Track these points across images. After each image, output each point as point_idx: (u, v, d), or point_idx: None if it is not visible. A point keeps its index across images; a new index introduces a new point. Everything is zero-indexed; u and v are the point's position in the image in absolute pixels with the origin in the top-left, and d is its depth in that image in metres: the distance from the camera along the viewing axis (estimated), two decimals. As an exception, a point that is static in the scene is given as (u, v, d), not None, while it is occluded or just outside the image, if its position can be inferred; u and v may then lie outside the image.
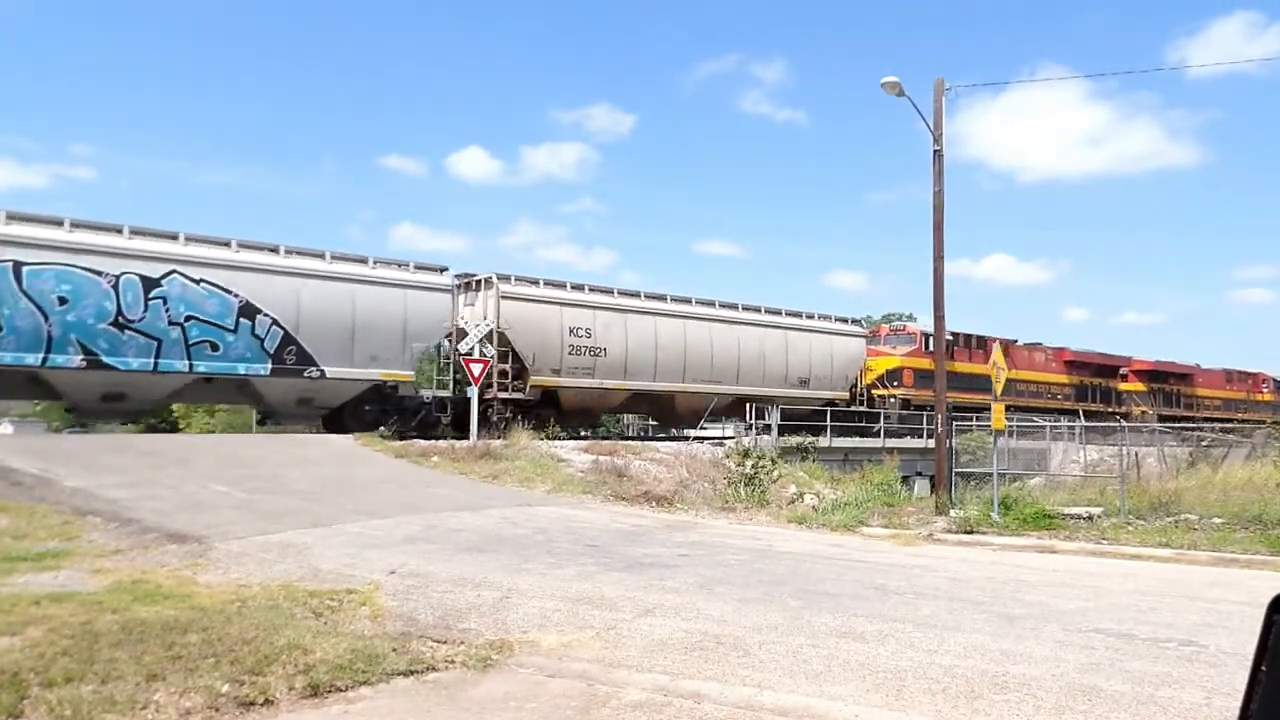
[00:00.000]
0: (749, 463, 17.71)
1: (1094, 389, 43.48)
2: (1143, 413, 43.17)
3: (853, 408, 30.61)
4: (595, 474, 16.64)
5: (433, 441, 19.15)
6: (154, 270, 17.80)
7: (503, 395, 22.20)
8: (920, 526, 13.65)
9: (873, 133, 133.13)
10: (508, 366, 22.34)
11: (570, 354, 23.31)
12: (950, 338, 33.85)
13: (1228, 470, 19.64)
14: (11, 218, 16.73)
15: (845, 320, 31.49)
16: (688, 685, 5.02)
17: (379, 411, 20.93)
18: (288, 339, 19.31)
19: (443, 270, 22.12)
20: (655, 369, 25.10)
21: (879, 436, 29.86)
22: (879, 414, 30.26)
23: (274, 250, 19.59)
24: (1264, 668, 1.44)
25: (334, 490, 12.78)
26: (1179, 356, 48.60)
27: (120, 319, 17.44)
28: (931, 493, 17.25)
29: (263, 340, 19.09)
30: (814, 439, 26.33)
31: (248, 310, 18.86)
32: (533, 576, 7.87)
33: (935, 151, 16.30)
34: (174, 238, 18.46)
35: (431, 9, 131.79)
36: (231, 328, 18.70)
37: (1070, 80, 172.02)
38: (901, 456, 27.58)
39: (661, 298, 26.07)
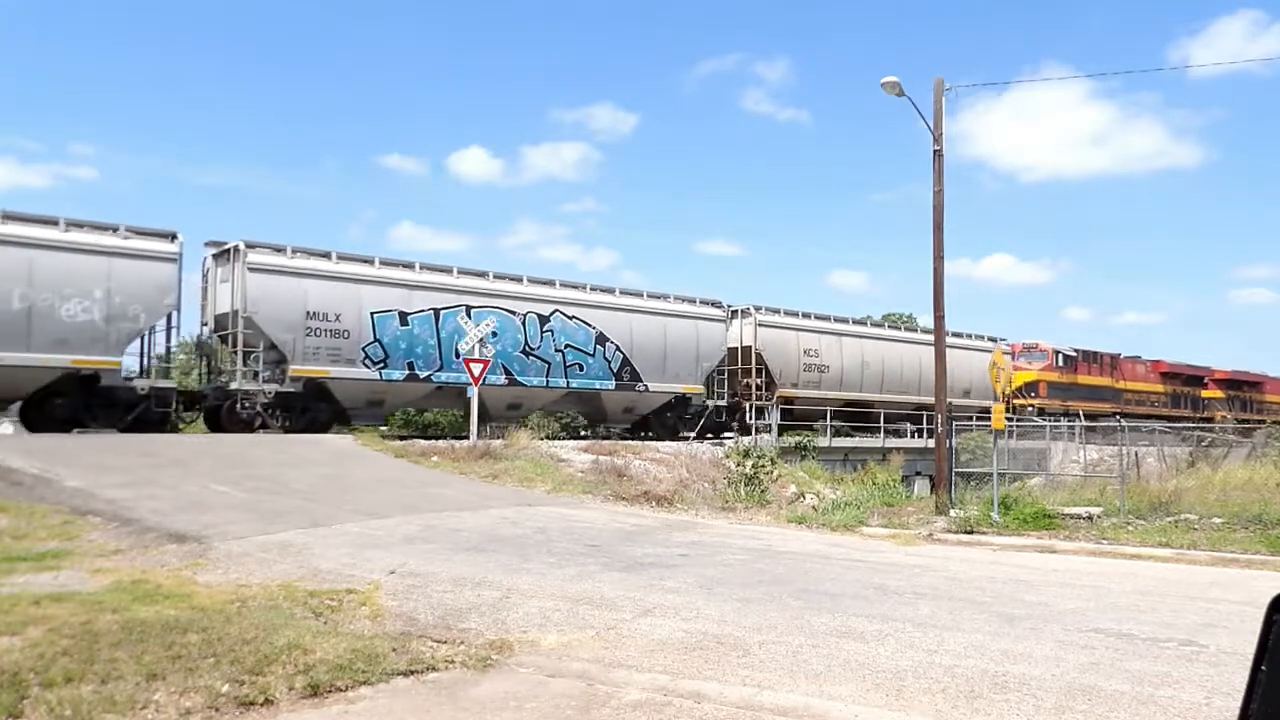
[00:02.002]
0: (749, 463, 17.71)
1: (1183, 397, 47.35)
2: (1223, 417, 45.88)
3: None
4: (595, 474, 16.65)
5: (432, 441, 19.21)
6: (544, 310, 23.45)
7: (757, 404, 27.21)
8: (920, 526, 13.65)
9: (876, 132, 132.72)
10: (761, 381, 27.67)
11: (804, 370, 28.86)
12: (1073, 353, 40.74)
13: (1228, 470, 19.64)
14: (461, 272, 22.46)
15: (995, 340, 36.45)
16: (688, 685, 5.02)
17: (675, 418, 26.25)
18: (625, 361, 24.92)
19: (718, 304, 27.36)
20: (862, 381, 30.33)
21: (879, 436, 30.08)
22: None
23: (610, 291, 25.32)
24: (1264, 667, 1.44)
25: (334, 490, 12.78)
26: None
27: (526, 347, 23.00)
28: (932, 492, 17.25)
29: (610, 363, 24.69)
30: (813, 438, 26.50)
31: (601, 339, 24.48)
32: (533, 576, 7.87)
33: (935, 151, 16.31)
34: (551, 283, 24.05)
35: (432, 8, 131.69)
36: (591, 353, 24.32)
37: (1073, 80, 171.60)
38: (903, 456, 27.65)
39: (863, 322, 31.79)
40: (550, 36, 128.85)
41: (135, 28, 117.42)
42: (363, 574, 7.61)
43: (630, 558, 9.16)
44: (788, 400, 28.15)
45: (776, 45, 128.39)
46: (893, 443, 29.91)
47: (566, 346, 23.65)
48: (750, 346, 27.60)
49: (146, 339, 18.99)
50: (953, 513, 14.39)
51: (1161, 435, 23.62)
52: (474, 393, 20.04)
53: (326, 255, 20.45)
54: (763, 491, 16.70)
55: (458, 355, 21.29)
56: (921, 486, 24.60)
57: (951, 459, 16.07)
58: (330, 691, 4.74)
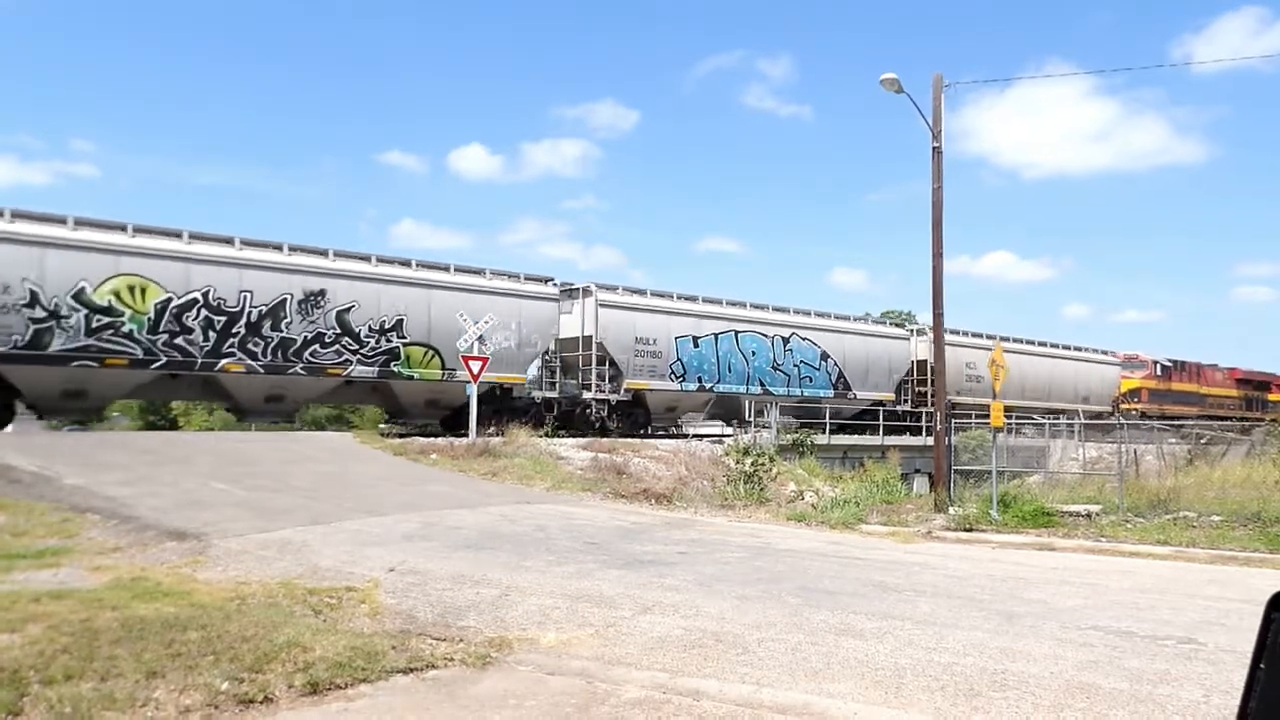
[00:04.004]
0: (748, 460, 17.69)
1: (1254, 400, 52.93)
2: None
3: (1109, 420, 38.06)
4: (594, 471, 16.64)
5: (431, 439, 19.20)
6: (785, 333, 29.28)
7: (928, 410, 30.91)
8: (919, 524, 13.66)
9: (877, 129, 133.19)
10: (928, 390, 31.99)
11: (965, 380, 34.16)
12: (1169, 363, 46.18)
13: (1226, 468, 19.64)
14: (729, 303, 28.14)
15: (1105, 352, 42.25)
16: (687, 683, 5.02)
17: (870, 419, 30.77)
18: (841, 375, 30.56)
19: (902, 324, 34.18)
20: (1005, 388, 32.33)
21: (878, 434, 30.28)
22: (1124, 423, 34.21)
23: (827, 316, 30.88)
24: (1263, 665, 1.44)
25: (333, 488, 12.77)
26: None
27: (774, 363, 28.72)
28: (931, 490, 17.25)
29: (830, 376, 30.44)
30: (812, 435, 26.48)
31: (824, 356, 30.28)
32: (532, 574, 7.87)
33: (934, 149, 16.28)
34: (787, 310, 29.98)
35: (433, 5, 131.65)
36: (817, 367, 30.10)
37: (1075, 77, 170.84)
38: (901, 454, 27.62)
39: (1007, 339, 36.43)
40: (551, 33, 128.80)
41: (136, 26, 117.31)
42: (362, 571, 7.61)
43: (629, 555, 9.16)
44: (951, 405, 32.41)
45: (779, 41, 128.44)
46: (891, 440, 30.01)
47: (801, 362, 29.54)
48: (925, 360, 32.14)
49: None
50: (952, 510, 14.39)
51: (1160, 433, 23.61)
52: (472, 389, 20.02)
53: (642, 293, 26.24)
54: (762, 489, 16.69)
55: (730, 370, 27.44)
56: (920, 484, 24.56)
57: (950, 457, 16.07)
58: (330, 689, 4.74)
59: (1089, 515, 13.49)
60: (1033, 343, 38.19)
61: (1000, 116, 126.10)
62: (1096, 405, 39.48)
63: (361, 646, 5.28)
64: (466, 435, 19.43)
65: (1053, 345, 38.79)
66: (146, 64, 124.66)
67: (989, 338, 35.79)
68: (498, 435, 18.98)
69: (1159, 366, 45.02)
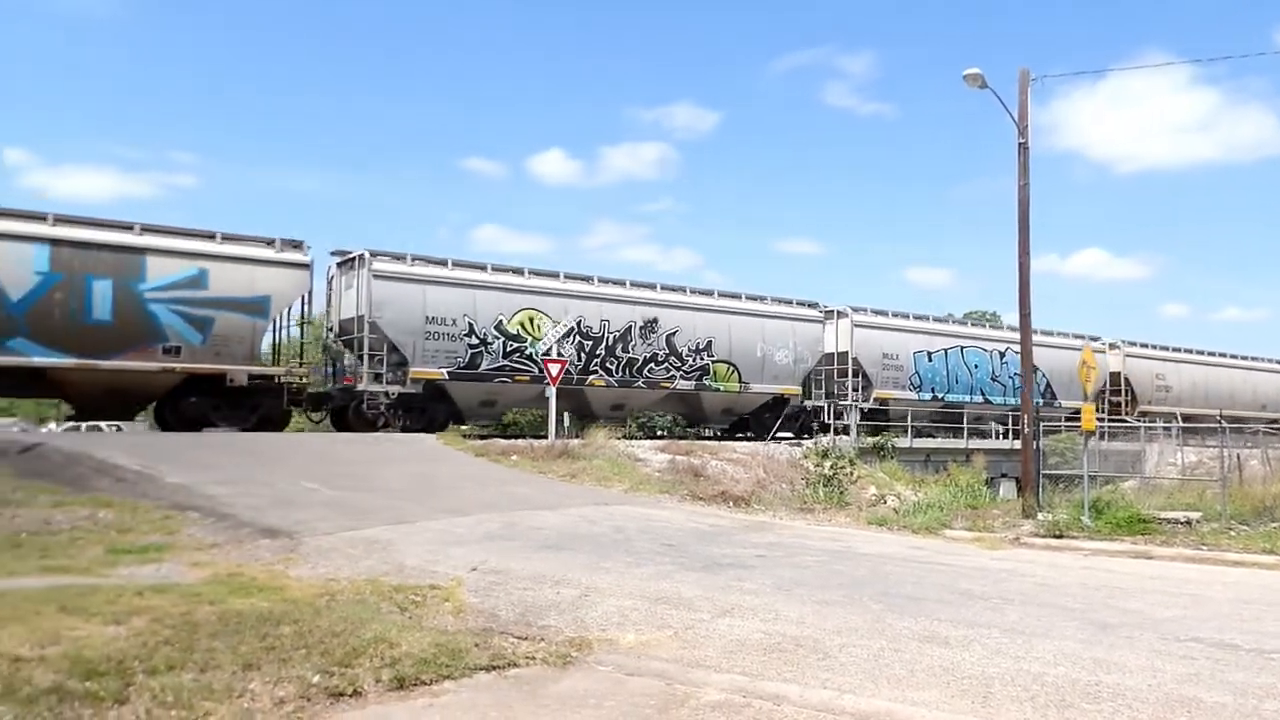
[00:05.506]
0: (828, 463, 17.48)
1: None
2: None
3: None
4: (672, 473, 16.65)
5: (512, 440, 19.49)
6: (1000, 348, 32.79)
7: (1120, 417, 34.90)
8: (1006, 530, 13.27)
9: (963, 124, 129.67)
10: (1126, 399, 36.36)
11: (1156, 390, 37.79)
12: None
13: (1339, 474, 18.55)
14: (954, 321, 32.87)
15: (1277, 362, 45.31)
16: (767, 687, 4.98)
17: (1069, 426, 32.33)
18: (1049, 385, 33.33)
19: (1096, 338, 35.88)
20: (1192, 398, 38.76)
21: (962, 437, 29.65)
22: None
23: (1036, 332, 32.50)
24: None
25: (417, 488, 13.06)
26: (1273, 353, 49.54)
27: (993, 375, 32.56)
28: (1018, 495, 16.76)
29: (1039, 386, 31.98)
30: (893, 439, 26.12)
31: (1034, 368, 31.17)
32: (611, 575, 7.91)
33: (1020, 145, 15.84)
34: (1002, 328, 34.16)
35: (508, 12, 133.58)
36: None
37: (1173, 67, 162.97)
38: (987, 458, 26.99)
39: (1190, 350, 40.04)
40: (628, 35, 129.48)
41: (232, 31, 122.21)
42: (445, 570, 7.76)
43: (707, 558, 9.14)
44: (1144, 413, 35.53)
45: (860, 37, 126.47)
46: (976, 444, 29.43)
47: (1015, 374, 31.77)
48: (1119, 372, 36.23)
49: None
50: (1040, 516, 13.95)
51: (1266, 437, 22.48)
52: (552, 392, 20.21)
53: (884, 313, 30.07)
54: (841, 493, 16.47)
55: (957, 382, 31.20)
56: (1007, 489, 23.94)
57: (1039, 460, 15.59)
58: (415, 685, 4.85)
59: (1188, 522, 12.92)
60: (1214, 354, 41.04)
61: (1092, 109, 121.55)
62: (1273, 413, 40.99)
63: (445, 644, 5.39)
64: (761, 439, 21.98)
65: (1232, 356, 41.83)
66: (242, 70, 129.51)
67: (1175, 350, 39.24)
68: (576, 438, 19.17)
69: None
